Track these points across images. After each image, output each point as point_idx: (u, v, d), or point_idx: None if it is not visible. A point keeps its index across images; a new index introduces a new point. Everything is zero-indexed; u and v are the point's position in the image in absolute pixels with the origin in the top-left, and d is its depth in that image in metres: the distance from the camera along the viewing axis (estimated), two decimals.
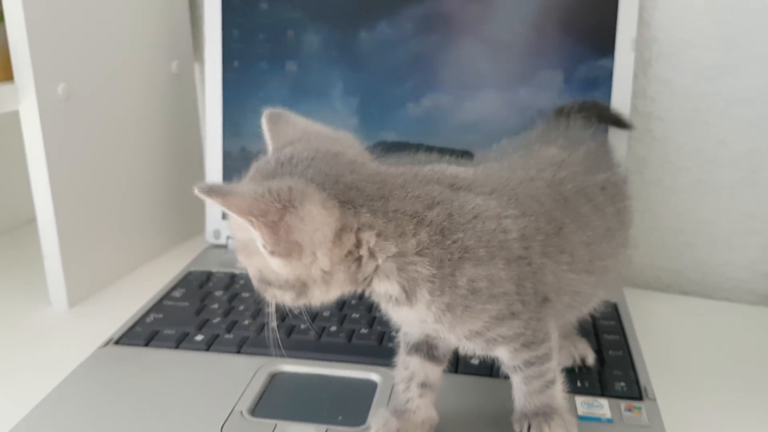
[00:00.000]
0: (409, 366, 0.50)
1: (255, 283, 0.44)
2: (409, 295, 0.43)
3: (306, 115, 0.81)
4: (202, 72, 0.94)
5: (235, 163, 0.83)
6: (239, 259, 0.44)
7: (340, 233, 0.41)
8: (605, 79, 0.74)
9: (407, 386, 0.50)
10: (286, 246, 0.39)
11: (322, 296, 0.43)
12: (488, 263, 0.42)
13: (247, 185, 0.40)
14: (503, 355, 0.46)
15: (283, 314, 0.66)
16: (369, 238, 0.41)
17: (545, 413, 0.47)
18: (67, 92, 0.72)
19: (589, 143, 0.56)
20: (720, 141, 0.77)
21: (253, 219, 0.38)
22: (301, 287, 0.42)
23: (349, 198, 0.41)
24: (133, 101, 0.82)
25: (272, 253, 0.39)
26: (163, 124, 0.88)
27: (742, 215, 0.78)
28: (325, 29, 0.79)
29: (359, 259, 0.42)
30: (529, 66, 0.75)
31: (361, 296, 0.70)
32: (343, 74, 0.79)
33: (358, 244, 0.41)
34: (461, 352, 0.48)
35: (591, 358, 0.58)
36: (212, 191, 0.38)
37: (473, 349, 0.46)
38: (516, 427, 0.48)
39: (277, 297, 0.43)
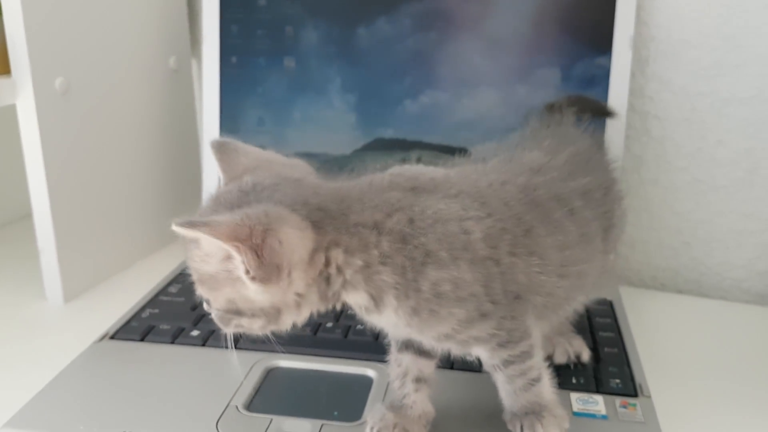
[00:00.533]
0: (402, 363, 0.50)
1: (218, 315, 0.44)
2: (377, 302, 0.43)
3: (303, 111, 0.81)
4: (200, 68, 0.94)
5: None
6: (199, 293, 0.44)
7: (312, 254, 0.41)
8: (602, 77, 0.74)
9: (402, 382, 0.50)
10: (267, 270, 0.39)
11: (293, 319, 0.43)
12: (451, 266, 0.42)
13: (220, 215, 0.40)
14: (481, 354, 0.46)
15: None
16: (337, 255, 0.42)
17: (535, 411, 0.47)
18: (65, 86, 0.71)
19: (577, 144, 0.55)
20: (718, 140, 0.77)
21: (239, 244, 0.38)
22: (274, 313, 0.42)
23: (317, 219, 0.42)
24: (130, 96, 0.82)
25: (254, 278, 0.39)
26: (160, 120, 0.88)
27: (739, 215, 0.78)
28: (323, 25, 0.79)
29: (328, 277, 0.42)
30: (527, 63, 0.75)
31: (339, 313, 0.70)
32: (341, 70, 0.79)
33: (328, 263, 0.42)
34: (441, 352, 0.48)
35: (586, 355, 0.58)
36: (194, 224, 0.38)
37: (449, 349, 0.46)
38: (510, 428, 0.48)
39: (244, 327, 0.43)
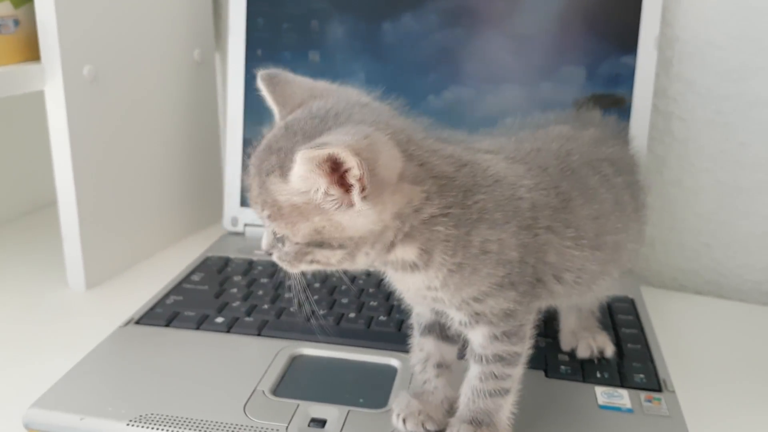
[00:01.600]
0: (423, 347, 0.50)
1: (295, 250, 0.42)
2: (425, 257, 0.43)
3: None
4: (223, 61, 0.95)
5: None
6: (279, 228, 0.42)
7: (399, 182, 0.40)
8: (627, 77, 0.74)
9: (423, 367, 0.50)
10: (373, 188, 0.39)
11: (366, 258, 0.42)
12: (502, 227, 0.43)
13: (329, 136, 0.39)
14: (479, 338, 0.46)
15: (300, 301, 0.67)
16: (417, 194, 0.41)
17: (480, 422, 0.46)
18: (93, 74, 0.72)
19: (599, 125, 0.57)
20: (741, 143, 0.77)
21: (359, 159, 0.37)
22: (353, 247, 0.41)
23: (402, 142, 0.41)
24: (156, 87, 0.82)
25: (365, 197, 0.39)
26: (183, 112, 0.88)
27: (761, 217, 0.78)
28: (349, 20, 0.80)
29: (404, 217, 0.41)
30: (552, 61, 0.76)
31: (379, 284, 0.71)
32: (366, 65, 0.80)
33: (410, 200, 0.41)
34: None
35: (610, 350, 0.58)
36: (324, 144, 0.37)
37: (458, 321, 0.46)
38: None
39: (320, 262, 0.42)
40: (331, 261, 0.42)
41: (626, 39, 0.74)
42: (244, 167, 0.83)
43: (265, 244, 0.44)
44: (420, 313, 0.50)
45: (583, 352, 0.58)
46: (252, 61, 0.82)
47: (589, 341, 0.58)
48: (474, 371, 0.47)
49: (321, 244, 0.41)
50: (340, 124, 0.41)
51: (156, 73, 0.82)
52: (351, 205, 0.39)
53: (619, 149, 0.54)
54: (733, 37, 0.75)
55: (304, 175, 0.39)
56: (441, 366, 0.50)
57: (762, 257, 0.79)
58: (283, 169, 0.40)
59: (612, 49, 0.74)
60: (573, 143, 0.50)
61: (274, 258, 0.44)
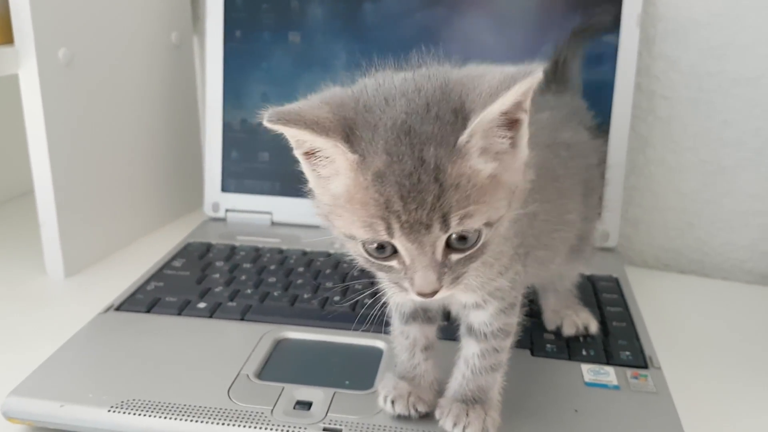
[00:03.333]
0: (409, 335, 0.50)
1: (487, 239, 0.38)
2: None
3: (308, 88, 0.80)
4: (202, 44, 0.93)
5: (235, 135, 0.82)
6: (478, 219, 0.36)
7: None
8: (610, 55, 0.73)
9: (412, 353, 0.50)
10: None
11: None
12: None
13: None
14: (486, 316, 0.46)
15: (285, 284, 0.66)
16: None
17: (475, 400, 0.46)
18: (68, 57, 0.70)
19: (559, 109, 0.57)
20: (724, 121, 0.77)
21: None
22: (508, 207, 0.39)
23: None
24: (133, 71, 0.81)
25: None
26: (162, 96, 0.87)
27: (744, 195, 0.78)
28: (329, 0, 0.78)
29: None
30: (535, 40, 0.75)
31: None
32: (347, 46, 0.79)
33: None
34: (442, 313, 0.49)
35: (594, 326, 0.58)
36: (521, 74, 0.35)
37: (471, 304, 0.46)
38: (437, 413, 0.47)
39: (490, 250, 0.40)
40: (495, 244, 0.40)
41: (609, 17, 0.73)
42: (226, 152, 0.82)
43: (431, 281, 0.37)
44: (402, 303, 0.49)
45: (568, 330, 0.58)
46: (230, 43, 0.81)
47: (574, 318, 0.59)
48: (472, 350, 0.46)
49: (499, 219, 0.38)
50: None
51: (133, 56, 0.81)
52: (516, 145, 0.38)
53: (576, 135, 0.55)
54: (715, 14, 0.74)
55: (485, 130, 0.36)
56: (427, 349, 0.50)
57: (745, 235, 0.79)
58: (455, 147, 0.36)
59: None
60: (533, 126, 0.50)
61: (445, 287, 0.38)
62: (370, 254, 0.38)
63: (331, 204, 0.39)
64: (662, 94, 0.78)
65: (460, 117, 0.36)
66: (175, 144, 0.90)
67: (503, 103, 0.35)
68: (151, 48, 0.84)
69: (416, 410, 0.48)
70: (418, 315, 0.49)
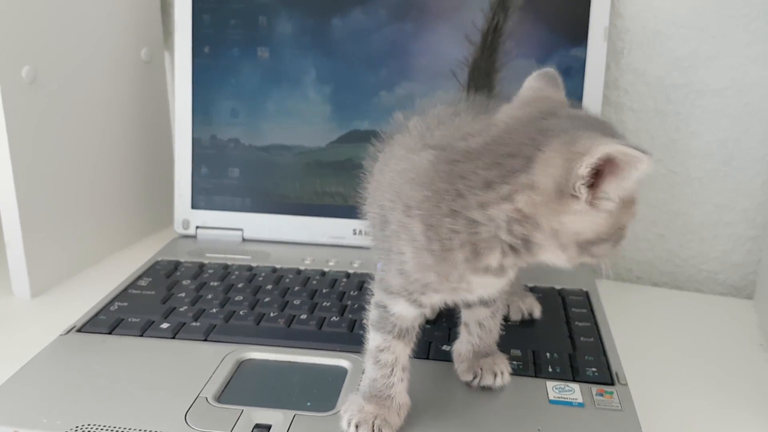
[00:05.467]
0: (395, 351, 0.48)
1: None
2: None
3: (278, 103, 0.80)
4: (173, 59, 0.93)
5: (205, 151, 0.81)
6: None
7: None
8: (578, 69, 0.74)
9: (392, 371, 0.48)
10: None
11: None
12: None
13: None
14: (505, 285, 0.48)
15: (252, 303, 0.65)
16: None
17: (488, 354, 0.53)
18: (32, 75, 0.70)
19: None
20: (692, 132, 0.77)
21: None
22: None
23: None
24: (100, 88, 0.80)
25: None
26: (132, 113, 0.86)
27: (713, 206, 0.78)
28: (297, 15, 0.78)
29: None
30: (503, 54, 0.75)
31: (333, 283, 0.69)
32: (316, 61, 0.78)
33: None
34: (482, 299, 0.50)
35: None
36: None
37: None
38: (468, 377, 0.53)
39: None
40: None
41: (576, 31, 0.73)
42: (195, 168, 0.81)
43: None
44: (403, 316, 0.48)
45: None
46: (199, 59, 0.80)
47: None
48: (483, 314, 0.52)
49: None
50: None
51: (101, 73, 0.80)
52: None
53: None
54: (680, 26, 0.75)
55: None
56: (405, 370, 0.49)
57: (715, 247, 0.79)
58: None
59: (562, 41, 0.74)
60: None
61: None
62: None
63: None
64: (631, 106, 0.78)
65: None
66: (147, 161, 0.89)
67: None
68: (120, 64, 0.83)
69: None
70: (410, 333, 0.49)
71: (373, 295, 0.49)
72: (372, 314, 0.49)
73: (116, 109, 0.83)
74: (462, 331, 0.54)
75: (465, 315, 0.53)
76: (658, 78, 0.77)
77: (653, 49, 0.76)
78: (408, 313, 0.47)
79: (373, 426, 0.47)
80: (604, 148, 0.37)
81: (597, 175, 0.39)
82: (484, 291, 0.47)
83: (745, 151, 0.77)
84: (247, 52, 0.79)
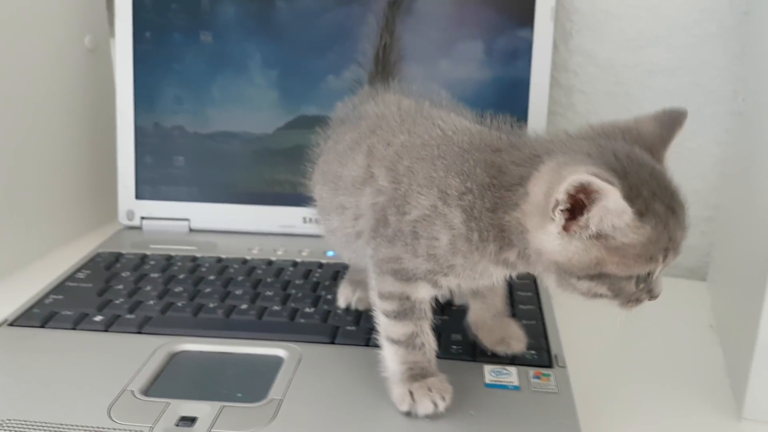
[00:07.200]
0: (426, 330, 0.48)
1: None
2: None
3: (222, 89, 0.78)
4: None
5: (148, 139, 0.79)
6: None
7: None
8: (525, 51, 0.72)
9: (429, 348, 0.49)
10: None
11: None
12: None
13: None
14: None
15: (192, 294, 0.63)
16: None
17: (501, 314, 0.55)
18: None
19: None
20: (642, 113, 0.76)
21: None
22: None
23: None
24: (41, 78, 0.77)
25: None
26: (76, 102, 0.83)
27: None
28: None
29: None
30: (450, 37, 0.74)
31: (279, 273, 0.68)
32: (261, 46, 0.77)
33: None
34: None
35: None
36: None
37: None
38: (501, 347, 0.53)
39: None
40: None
41: (522, 11, 0.72)
42: (139, 157, 0.79)
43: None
44: (426, 299, 0.48)
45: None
46: (141, 44, 0.78)
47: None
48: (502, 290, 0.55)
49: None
50: None
51: (40, 62, 0.77)
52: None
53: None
54: (630, 5, 0.74)
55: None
56: None
57: None
58: None
59: (508, 22, 0.72)
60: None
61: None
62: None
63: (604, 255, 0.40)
64: (581, 88, 0.77)
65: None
66: (92, 153, 0.86)
67: None
68: (62, 53, 0.80)
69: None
70: (429, 310, 0.49)
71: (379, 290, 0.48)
72: (389, 307, 0.48)
73: (59, 99, 0.81)
74: (473, 302, 0.55)
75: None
76: (608, 59, 0.76)
77: (603, 29, 0.75)
78: (429, 295, 0.48)
79: (432, 395, 0.47)
80: (578, 177, 0.37)
81: (579, 204, 0.38)
82: (497, 279, 0.48)
83: (697, 132, 0.76)
84: (189, 36, 0.77)
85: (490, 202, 0.43)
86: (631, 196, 0.38)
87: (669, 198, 0.40)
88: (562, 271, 0.41)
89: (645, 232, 0.39)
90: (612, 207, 0.37)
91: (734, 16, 0.72)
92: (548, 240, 0.40)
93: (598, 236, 0.39)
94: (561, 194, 0.38)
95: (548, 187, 0.39)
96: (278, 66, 0.77)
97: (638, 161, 0.41)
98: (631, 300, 0.42)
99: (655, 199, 0.39)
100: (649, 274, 0.41)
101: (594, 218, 0.38)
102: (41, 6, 0.77)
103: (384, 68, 0.61)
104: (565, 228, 0.39)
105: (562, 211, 0.39)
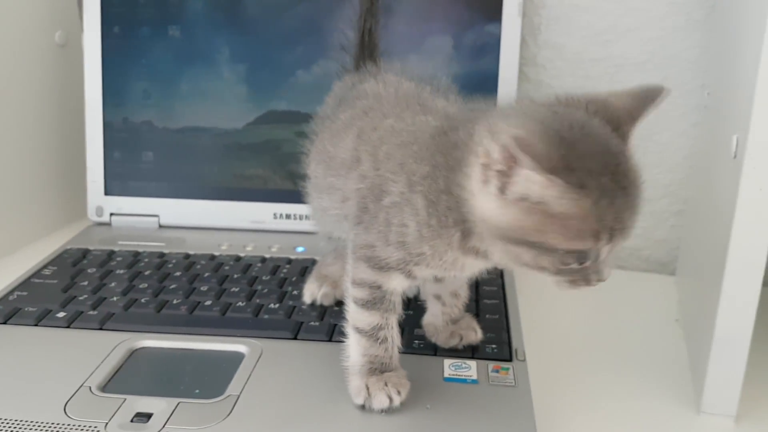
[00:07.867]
0: (392, 324, 0.48)
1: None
2: None
3: (192, 83, 0.78)
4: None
5: (117, 134, 0.78)
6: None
7: None
8: (493, 46, 0.72)
9: (392, 344, 0.48)
10: None
11: None
12: None
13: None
14: None
15: (156, 290, 0.63)
16: None
17: (459, 318, 0.55)
18: None
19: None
20: None
21: None
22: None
23: None
24: (10, 73, 0.77)
25: None
26: (45, 98, 0.83)
27: None
28: None
29: None
30: (419, 32, 0.74)
31: (247, 269, 0.68)
32: (230, 40, 0.76)
33: None
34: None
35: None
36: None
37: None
38: (453, 341, 0.53)
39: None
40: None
41: (490, 6, 0.72)
42: (108, 153, 0.78)
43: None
44: (397, 291, 0.48)
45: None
46: (109, 39, 0.77)
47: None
48: (458, 284, 0.54)
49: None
50: None
51: (11, 57, 0.76)
52: None
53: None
54: None
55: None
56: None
57: (640, 223, 0.79)
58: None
59: (476, 17, 0.72)
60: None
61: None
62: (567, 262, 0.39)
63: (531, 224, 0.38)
64: (549, 83, 0.77)
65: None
66: (62, 149, 0.86)
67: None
68: (32, 48, 0.80)
69: None
70: (399, 304, 0.49)
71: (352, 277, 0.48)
72: (359, 294, 0.47)
73: (28, 95, 0.80)
74: (433, 304, 0.54)
75: (435, 288, 0.53)
76: (576, 53, 0.76)
77: (571, 23, 0.75)
78: (402, 287, 0.47)
79: (387, 390, 0.46)
80: (507, 133, 0.35)
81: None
82: (470, 271, 0.47)
83: (666, 126, 0.76)
84: (158, 31, 0.77)
85: (443, 183, 0.42)
86: (569, 166, 0.36)
87: (620, 176, 0.38)
88: (505, 239, 0.39)
89: (584, 205, 0.36)
90: (527, 173, 0.36)
91: (703, 9, 0.72)
92: (487, 204, 0.39)
93: (538, 202, 0.37)
94: (483, 156, 0.38)
95: (486, 147, 0.38)
96: (247, 60, 0.77)
97: (591, 133, 0.39)
98: (576, 279, 0.40)
99: (602, 174, 0.37)
100: (594, 254, 0.39)
101: (518, 182, 0.37)
102: (12, 1, 0.76)
103: (371, 53, 0.60)
104: (501, 191, 0.38)
105: (497, 172, 0.37)
